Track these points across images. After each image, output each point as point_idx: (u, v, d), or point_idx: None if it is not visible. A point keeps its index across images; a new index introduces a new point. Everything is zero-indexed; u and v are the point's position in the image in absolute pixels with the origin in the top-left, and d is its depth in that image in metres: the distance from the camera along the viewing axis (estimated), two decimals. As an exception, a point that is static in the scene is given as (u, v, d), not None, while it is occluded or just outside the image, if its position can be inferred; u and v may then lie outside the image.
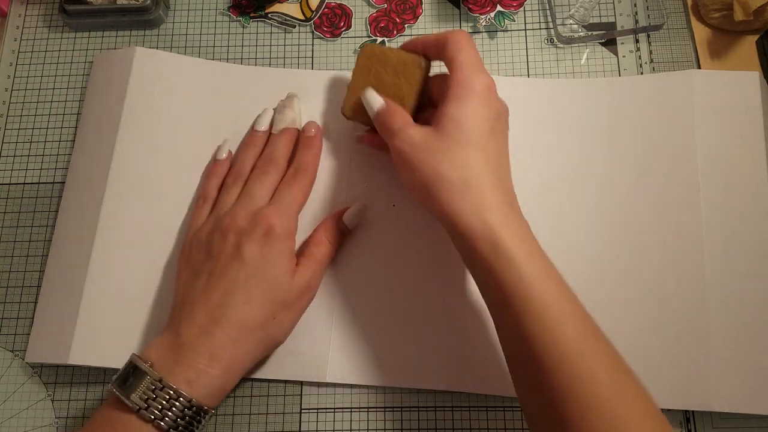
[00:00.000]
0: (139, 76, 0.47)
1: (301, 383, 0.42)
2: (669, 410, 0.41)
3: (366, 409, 0.42)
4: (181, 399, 0.34)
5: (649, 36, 0.49)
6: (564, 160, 0.45)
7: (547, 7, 0.50)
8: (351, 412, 0.42)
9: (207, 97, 0.47)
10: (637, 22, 0.50)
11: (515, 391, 0.35)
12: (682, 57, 0.49)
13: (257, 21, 0.51)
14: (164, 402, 0.34)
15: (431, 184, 0.36)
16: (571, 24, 0.50)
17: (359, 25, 0.50)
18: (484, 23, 0.49)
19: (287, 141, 0.44)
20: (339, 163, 0.46)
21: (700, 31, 0.49)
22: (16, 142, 0.49)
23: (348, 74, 0.45)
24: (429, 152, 0.36)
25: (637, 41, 0.49)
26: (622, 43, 0.49)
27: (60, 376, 0.43)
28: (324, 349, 0.42)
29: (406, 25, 0.50)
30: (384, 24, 0.50)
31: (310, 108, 0.47)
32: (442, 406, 0.42)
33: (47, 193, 0.47)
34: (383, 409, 0.42)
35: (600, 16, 0.50)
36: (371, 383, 0.41)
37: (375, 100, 0.40)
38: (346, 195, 0.45)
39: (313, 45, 0.50)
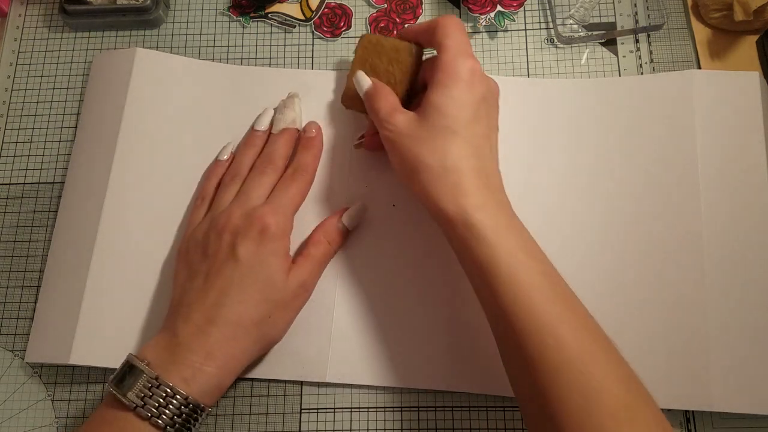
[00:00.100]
0: (140, 77, 0.47)
1: (301, 383, 0.42)
2: (669, 410, 0.41)
3: (366, 409, 0.42)
4: (178, 397, 0.35)
5: (649, 36, 0.49)
6: (564, 160, 0.45)
7: (547, 7, 0.50)
8: (351, 412, 0.42)
9: (208, 98, 0.47)
10: (637, 22, 0.50)
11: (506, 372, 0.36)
12: (682, 57, 0.49)
13: (257, 21, 0.51)
14: (161, 400, 0.34)
15: (414, 170, 0.37)
16: (571, 24, 0.50)
17: (359, 25, 0.50)
18: (484, 23, 0.49)
19: (286, 141, 0.44)
20: (339, 163, 0.46)
21: (700, 31, 0.49)
22: (16, 142, 0.49)
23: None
24: (412, 139, 0.38)
25: (637, 41, 0.49)
26: (622, 43, 0.49)
27: (60, 376, 0.43)
28: (324, 349, 0.42)
29: (406, 25, 0.50)
30: (384, 24, 0.50)
31: (310, 108, 0.47)
32: (442, 406, 0.42)
33: (47, 193, 0.47)
34: (383, 409, 0.42)
35: (600, 16, 0.50)
36: (371, 383, 0.41)
37: (364, 81, 0.42)
38: (346, 195, 0.45)
39: (313, 45, 0.50)
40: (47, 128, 0.49)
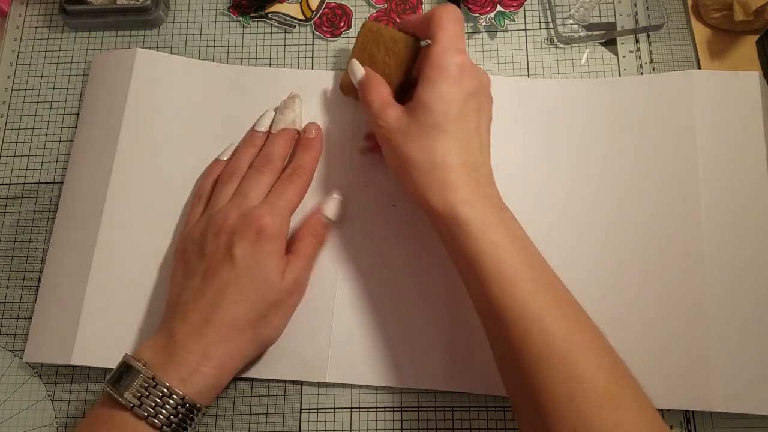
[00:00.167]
0: (140, 78, 0.47)
1: (301, 383, 0.42)
2: (669, 410, 0.41)
3: (366, 409, 0.42)
4: (174, 396, 0.35)
5: (649, 36, 0.49)
6: (564, 160, 0.45)
7: (547, 7, 0.50)
8: (351, 412, 0.42)
9: (208, 99, 0.47)
10: (637, 22, 0.50)
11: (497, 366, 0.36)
12: (682, 57, 0.49)
13: (257, 21, 0.51)
14: (157, 399, 0.34)
15: (403, 165, 0.38)
16: (571, 24, 0.50)
17: (359, 26, 0.50)
18: (484, 23, 0.49)
19: (285, 141, 0.44)
20: (339, 163, 0.46)
21: (700, 31, 0.49)
22: (16, 142, 0.49)
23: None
24: (400, 135, 0.38)
25: (637, 41, 0.49)
26: (622, 43, 0.49)
27: (60, 376, 0.43)
28: (324, 349, 0.42)
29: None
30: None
31: (310, 108, 0.47)
32: (442, 406, 0.42)
33: (47, 193, 0.47)
34: (383, 409, 0.42)
35: (600, 16, 0.50)
36: (371, 383, 0.41)
37: (358, 70, 0.42)
38: (346, 195, 0.45)
39: (313, 45, 0.50)
40: (47, 128, 0.49)
